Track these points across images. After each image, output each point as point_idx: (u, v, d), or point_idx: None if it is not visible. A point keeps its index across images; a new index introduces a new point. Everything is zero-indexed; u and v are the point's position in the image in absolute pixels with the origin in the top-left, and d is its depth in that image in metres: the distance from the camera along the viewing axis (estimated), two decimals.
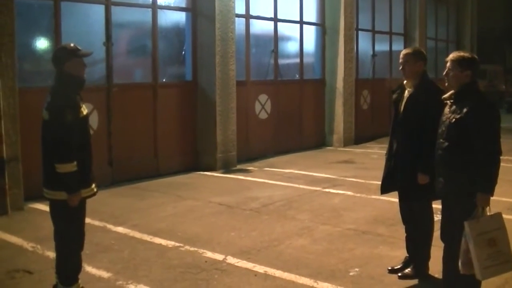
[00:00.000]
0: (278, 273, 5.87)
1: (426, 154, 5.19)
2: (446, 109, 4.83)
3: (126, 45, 11.08)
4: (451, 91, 4.80)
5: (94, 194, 5.06)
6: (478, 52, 22.74)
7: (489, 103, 4.68)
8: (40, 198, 6.86)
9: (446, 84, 4.85)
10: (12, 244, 6.84)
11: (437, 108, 5.00)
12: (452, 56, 4.81)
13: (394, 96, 5.83)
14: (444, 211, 4.95)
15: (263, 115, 13.46)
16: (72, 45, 4.94)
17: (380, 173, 5.98)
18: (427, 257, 5.70)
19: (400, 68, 5.67)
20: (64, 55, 4.87)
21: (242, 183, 10.42)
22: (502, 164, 4.63)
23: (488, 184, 4.48)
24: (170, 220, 7.91)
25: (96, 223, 7.56)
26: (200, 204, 8.82)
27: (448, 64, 4.79)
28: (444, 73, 4.83)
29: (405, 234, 5.92)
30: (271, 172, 11.45)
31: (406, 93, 5.66)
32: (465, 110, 4.59)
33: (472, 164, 4.55)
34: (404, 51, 5.72)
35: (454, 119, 4.65)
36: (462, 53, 4.82)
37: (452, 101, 4.77)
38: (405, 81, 5.73)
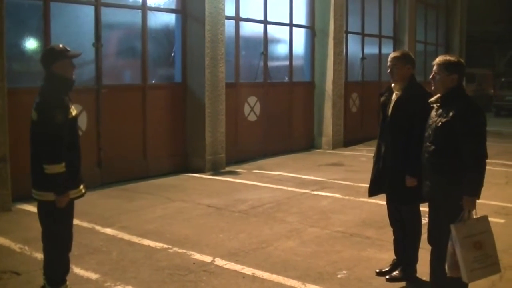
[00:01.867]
0: (266, 275, 5.88)
1: (414, 157, 5.21)
2: (433, 113, 4.86)
3: (116, 47, 11.06)
4: (438, 95, 4.83)
5: (83, 195, 5.05)
6: (467, 56, 22.95)
7: (475, 107, 4.70)
8: (28, 199, 6.87)
9: (433, 87, 4.88)
10: None
11: (424, 111, 5.03)
12: (438, 59, 4.84)
13: (382, 99, 5.85)
14: (431, 214, 4.97)
15: (252, 117, 13.47)
16: (61, 46, 4.94)
17: (368, 176, 6.01)
18: (415, 259, 5.73)
19: (388, 71, 5.69)
20: (53, 56, 4.87)
21: (231, 185, 10.42)
22: (490, 167, 4.67)
23: (474, 187, 4.51)
24: (158, 222, 7.90)
25: (85, 224, 7.55)
26: (189, 206, 8.82)
27: (434, 68, 4.81)
28: (431, 76, 4.86)
29: (393, 237, 5.95)
30: (260, 174, 11.47)
31: (394, 96, 5.69)
32: (451, 113, 4.62)
33: (458, 168, 4.58)
34: (392, 55, 5.74)
35: (440, 123, 4.68)
36: (448, 57, 4.85)
37: (438, 104, 4.81)
38: (393, 84, 5.75)
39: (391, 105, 5.67)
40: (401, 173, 5.46)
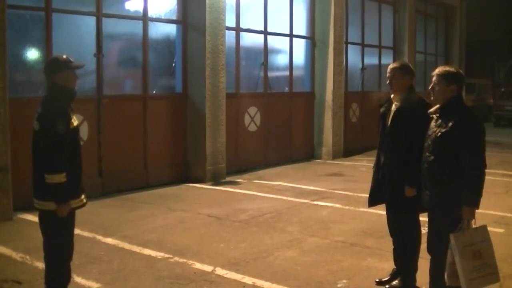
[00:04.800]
0: (266, 284, 5.90)
1: (413, 167, 5.25)
2: (432, 123, 4.90)
3: (117, 57, 11.11)
4: (437, 105, 4.87)
5: (84, 205, 5.07)
6: (467, 66, 22.99)
7: (474, 117, 4.75)
8: (29, 209, 6.88)
9: (432, 98, 4.92)
10: (1, 255, 6.83)
11: (423, 122, 5.07)
12: (437, 70, 4.89)
13: (382, 109, 5.89)
14: (430, 224, 5.00)
15: (253, 128, 13.50)
16: (64, 56, 4.97)
17: (368, 186, 6.03)
18: (415, 269, 5.74)
19: (388, 82, 5.73)
20: (56, 67, 4.90)
21: (231, 195, 10.44)
22: (490, 177, 4.70)
23: (474, 197, 4.54)
24: (159, 231, 7.92)
25: (86, 234, 7.56)
26: (189, 215, 8.84)
27: (433, 79, 4.86)
28: (430, 87, 4.91)
29: (392, 247, 5.96)
30: (260, 184, 11.49)
31: (393, 107, 5.72)
32: (450, 124, 4.66)
33: (457, 178, 4.61)
34: (391, 66, 5.78)
35: (439, 133, 4.72)
36: (447, 68, 4.90)
37: (437, 115, 4.85)
38: (392, 95, 5.79)
39: (391, 116, 5.71)
40: (400, 183, 5.49)
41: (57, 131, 4.68)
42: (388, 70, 5.73)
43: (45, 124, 4.73)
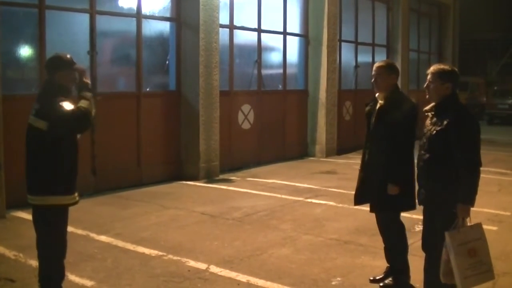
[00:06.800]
0: (261, 282, 5.90)
1: (396, 165, 5.29)
2: (427, 121, 4.91)
3: (111, 54, 11.07)
4: (432, 104, 4.88)
5: (77, 202, 5.02)
6: (460, 64, 23.05)
7: (469, 115, 4.75)
8: (22, 206, 6.86)
9: (427, 96, 4.93)
10: None
11: (407, 120, 5.13)
12: (432, 68, 4.89)
13: (367, 108, 5.93)
14: (425, 222, 5.01)
15: (246, 125, 13.49)
16: (68, 56, 4.97)
17: None
18: (406, 266, 5.74)
19: (372, 80, 5.74)
20: (59, 64, 4.90)
21: (225, 193, 10.43)
22: (483, 175, 4.70)
23: (469, 195, 4.55)
24: (153, 229, 7.91)
25: (79, 231, 7.54)
26: (183, 213, 8.83)
27: (428, 77, 4.87)
28: (425, 85, 4.92)
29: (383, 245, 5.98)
30: (254, 182, 11.48)
31: (378, 106, 5.74)
32: (445, 122, 4.66)
33: (452, 176, 4.62)
34: (377, 64, 5.76)
35: (435, 131, 4.73)
36: (442, 66, 4.90)
37: (433, 113, 4.85)
38: (377, 94, 5.79)
39: (374, 114, 5.73)
40: (382, 181, 5.50)
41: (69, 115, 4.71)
42: (374, 68, 5.73)
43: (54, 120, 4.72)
